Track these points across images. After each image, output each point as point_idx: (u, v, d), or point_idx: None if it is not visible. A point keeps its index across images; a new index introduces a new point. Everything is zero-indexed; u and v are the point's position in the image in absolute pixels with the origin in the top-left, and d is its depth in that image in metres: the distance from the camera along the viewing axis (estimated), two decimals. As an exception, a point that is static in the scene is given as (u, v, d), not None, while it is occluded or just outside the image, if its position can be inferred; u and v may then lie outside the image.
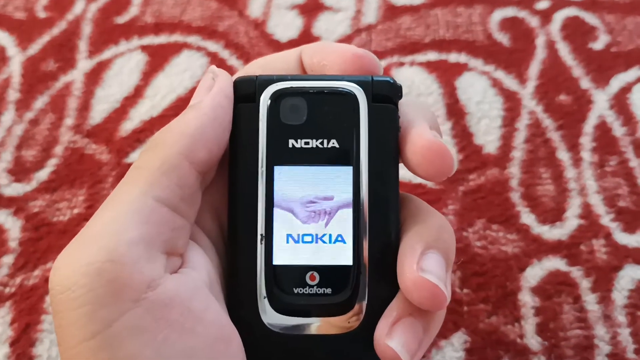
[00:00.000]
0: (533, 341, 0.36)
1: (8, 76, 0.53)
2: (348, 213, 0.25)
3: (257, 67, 0.28)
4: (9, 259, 0.41)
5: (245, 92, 0.25)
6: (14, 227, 0.43)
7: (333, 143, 0.25)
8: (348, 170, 0.25)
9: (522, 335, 0.36)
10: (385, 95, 0.25)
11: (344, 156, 0.25)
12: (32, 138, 0.48)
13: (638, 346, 0.36)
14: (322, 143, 0.25)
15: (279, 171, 0.25)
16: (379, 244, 0.25)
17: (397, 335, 0.23)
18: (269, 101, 0.25)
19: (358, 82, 0.25)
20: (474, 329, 0.37)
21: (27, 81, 0.52)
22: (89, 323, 0.20)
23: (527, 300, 0.38)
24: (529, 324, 0.37)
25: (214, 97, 0.25)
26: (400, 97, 0.26)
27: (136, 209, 0.22)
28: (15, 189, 0.45)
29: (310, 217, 0.25)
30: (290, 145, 0.25)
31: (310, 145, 0.25)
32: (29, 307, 0.39)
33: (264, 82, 0.25)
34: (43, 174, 0.46)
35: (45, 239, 0.42)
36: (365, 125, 0.25)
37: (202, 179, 0.24)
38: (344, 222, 0.25)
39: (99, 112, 0.50)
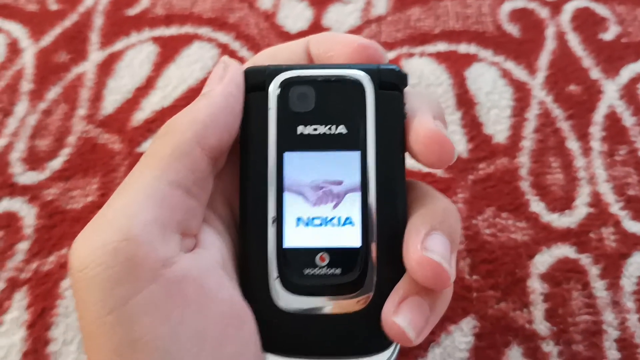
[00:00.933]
0: (542, 326, 0.36)
1: (21, 67, 0.54)
2: (356, 196, 0.25)
3: (265, 57, 0.29)
4: (24, 246, 0.42)
5: (256, 81, 0.26)
6: (29, 215, 0.44)
7: (341, 129, 0.25)
8: (356, 155, 0.25)
9: (531, 321, 0.37)
10: (392, 83, 0.26)
11: (352, 141, 0.25)
12: (45, 128, 0.49)
13: (647, 332, 0.36)
14: (330, 129, 0.25)
15: (289, 157, 0.25)
16: (386, 226, 0.25)
17: (403, 313, 0.24)
18: (279, 89, 0.26)
19: (365, 70, 0.26)
20: (483, 315, 0.37)
21: (40, 72, 0.53)
22: (107, 300, 0.21)
23: (536, 286, 0.38)
24: (538, 310, 0.37)
25: (225, 86, 0.26)
26: (406, 84, 0.26)
27: (150, 192, 0.23)
28: (30, 178, 0.46)
29: (320, 201, 0.25)
30: (299, 132, 0.25)
31: (318, 132, 0.25)
32: (45, 292, 0.40)
33: (273, 71, 0.26)
34: (56, 163, 0.47)
35: (59, 227, 0.43)
36: (372, 112, 0.25)
37: (214, 164, 0.25)
38: (352, 205, 0.25)
39: (110, 102, 0.50)
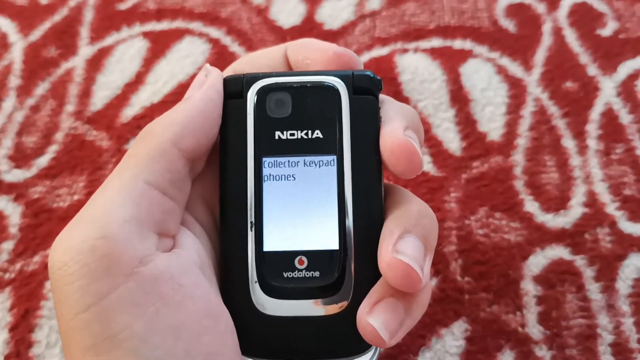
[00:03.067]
0: (535, 330, 0.36)
1: (9, 62, 0.53)
2: (333, 199, 0.26)
3: (244, 64, 0.30)
4: (9, 245, 0.41)
5: (234, 89, 0.27)
6: (14, 214, 0.43)
7: (317, 134, 0.26)
8: (332, 158, 0.26)
9: (524, 325, 0.36)
10: (366, 88, 0.27)
11: (328, 145, 0.26)
12: (32, 124, 0.48)
13: (642, 336, 0.35)
14: (306, 134, 0.26)
15: (267, 162, 0.26)
16: (363, 229, 0.26)
17: (377, 314, 0.24)
18: (256, 97, 0.27)
19: (339, 76, 0.27)
20: (475, 318, 0.36)
21: (28, 67, 0.52)
22: (84, 296, 0.22)
23: (530, 289, 0.37)
24: (531, 313, 0.36)
25: (205, 91, 0.27)
26: (380, 89, 0.27)
27: (127, 191, 0.24)
28: (16, 175, 0.45)
29: (298, 204, 0.26)
30: (276, 137, 0.26)
31: (295, 137, 0.26)
32: (29, 292, 0.39)
33: (250, 79, 0.27)
34: (43, 161, 0.46)
35: (45, 225, 0.42)
36: (347, 116, 0.26)
37: (191, 166, 0.26)
38: (329, 208, 0.26)
39: (99, 98, 0.50)
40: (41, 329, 0.37)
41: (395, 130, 0.25)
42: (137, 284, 0.22)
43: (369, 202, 0.26)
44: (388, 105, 0.27)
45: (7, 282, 0.40)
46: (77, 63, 0.52)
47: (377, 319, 0.24)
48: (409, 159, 0.25)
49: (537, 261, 0.38)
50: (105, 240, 0.22)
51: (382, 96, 0.28)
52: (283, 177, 0.26)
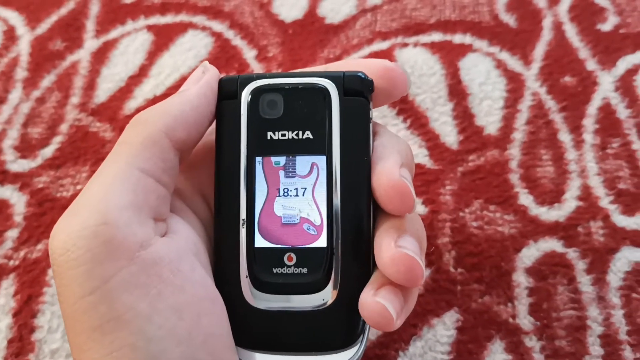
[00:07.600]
0: (525, 321, 0.36)
1: (16, 55, 0.54)
2: (323, 199, 0.26)
3: None
4: (13, 233, 0.42)
5: (228, 90, 0.28)
6: (19, 202, 0.44)
7: (308, 134, 0.27)
8: (322, 159, 0.27)
9: (515, 315, 0.36)
10: (356, 89, 0.27)
11: (318, 146, 0.27)
12: (38, 116, 0.49)
13: (631, 328, 0.35)
14: (297, 134, 0.27)
15: (259, 161, 0.27)
16: (350, 228, 0.26)
17: (382, 295, 0.25)
18: (249, 97, 0.27)
19: (330, 78, 0.27)
20: (467, 308, 0.37)
21: (35, 60, 0.53)
22: (88, 280, 0.22)
23: (521, 280, 0.38)
24: (522, 304, 0.37)
25: (200, 87, 0.27)
26: (372, 90, 0.28)
27: (123, 178, 0.24)
28: (21, 165, 0.46)
29: (289, 203, 0.27)
30: (268, 137, 0.27)
31: (286, 137, 0.27)
32: (32, 279, 0.40)
33: (244, 80, 0.28)
34: (48, 151, 0.47)
35: (48, 214, 0.43)
36: (337, 117, 0.27)
37: (180, 156, 0.27)
38: (319, 207, 0.27)
39: (104, 90, 0.51)
40: (43, 314, 0.38)
41: (391, 170, 0.26)
42: (139, 267, 0.23)
43: (356, 202, 0.26)
44: (384, 138, 0.28)
45: (11, 269, 0.41)
46: (82, 56, 0.53)
47: (384, 298, 0.24)
48: (402, 200, 0.25)
49: (530, 253, 0.39)
50: (106, 226, 0.23)
51: (377, 125, 0.29)
52: (274, 176, 0.27)
